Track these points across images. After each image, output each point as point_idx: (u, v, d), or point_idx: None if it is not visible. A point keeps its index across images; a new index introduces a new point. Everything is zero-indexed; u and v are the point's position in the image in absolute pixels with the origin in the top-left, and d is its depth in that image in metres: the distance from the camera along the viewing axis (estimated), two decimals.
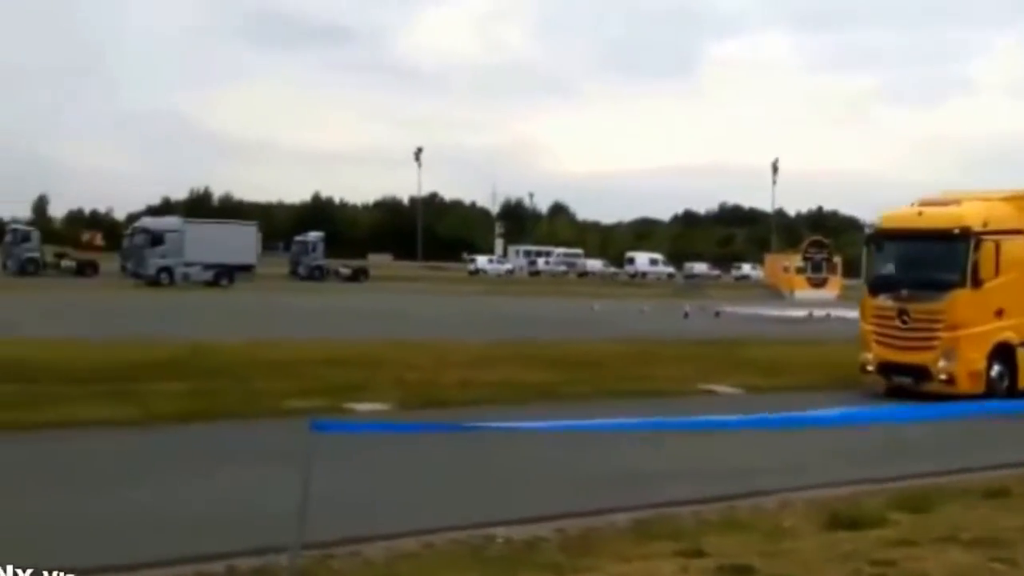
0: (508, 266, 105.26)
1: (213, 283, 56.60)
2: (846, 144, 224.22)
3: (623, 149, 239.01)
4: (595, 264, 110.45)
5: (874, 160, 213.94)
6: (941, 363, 19.05)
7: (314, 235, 75.91)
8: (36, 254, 64.50)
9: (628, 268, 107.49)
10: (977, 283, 18.98)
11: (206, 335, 25.03)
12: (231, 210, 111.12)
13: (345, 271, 73.61)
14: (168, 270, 56.47)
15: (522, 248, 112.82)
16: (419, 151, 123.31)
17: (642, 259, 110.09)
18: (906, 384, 19.44)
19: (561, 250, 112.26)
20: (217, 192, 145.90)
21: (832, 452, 12.87)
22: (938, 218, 19.42)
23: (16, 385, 16.13)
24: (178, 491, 10.72)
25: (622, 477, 11.58)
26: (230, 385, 17.11)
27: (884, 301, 20.10)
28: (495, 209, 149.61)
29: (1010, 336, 19.46)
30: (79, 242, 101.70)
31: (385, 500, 10.63)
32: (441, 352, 23.14)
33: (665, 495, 10.58)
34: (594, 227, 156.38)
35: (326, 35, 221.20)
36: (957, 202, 20.02)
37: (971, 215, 19.34)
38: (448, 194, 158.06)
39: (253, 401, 15.74)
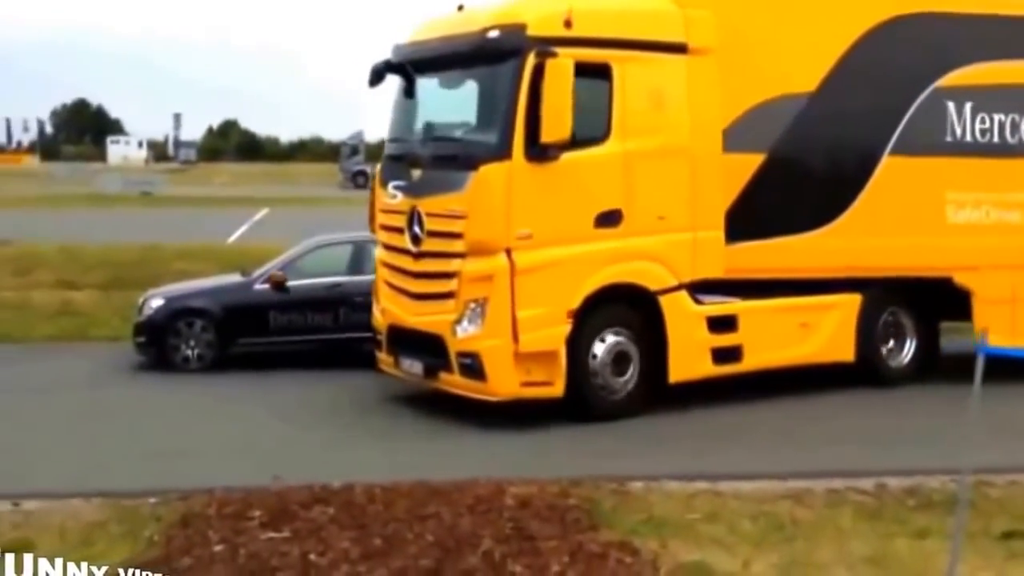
0: None
1: None
2: None
3: None
4: None
5: None
6: (460, 330, 9.50)
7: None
8: (364, 167, 65.69)
9: None
10: (538, 150, 9.32)
11: None
12: None
13: None
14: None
15: None
16: None
17: None
18: (415, 376, 10.29)
19: None
20: None
21: None
22: (472, 19, 9.97)
23: None
24: None
25: None
26: None
27: (393, 195, 10.45)
28: None
29: (638, 272, 9.88)
30: None
31: None
32: None
33: None
34: None
35: None
36: None
37: (534, 8, 9.79)
38: None
39: None
